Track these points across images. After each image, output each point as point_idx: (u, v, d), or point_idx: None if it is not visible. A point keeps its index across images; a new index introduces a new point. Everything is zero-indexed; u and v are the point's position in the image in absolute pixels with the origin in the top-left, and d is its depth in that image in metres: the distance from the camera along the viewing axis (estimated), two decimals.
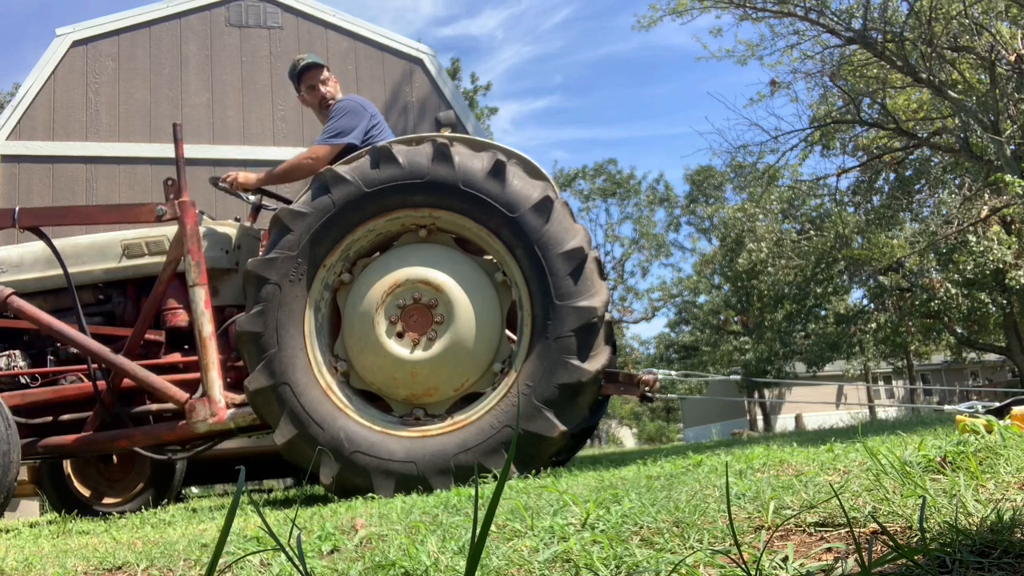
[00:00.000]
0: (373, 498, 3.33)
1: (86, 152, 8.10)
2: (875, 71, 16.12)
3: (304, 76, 4.61)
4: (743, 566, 1.05)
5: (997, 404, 3.15)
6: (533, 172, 3.78)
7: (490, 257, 3.73)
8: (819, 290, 25.69)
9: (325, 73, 4.62)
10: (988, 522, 1.12)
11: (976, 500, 1.29)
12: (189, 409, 3.62)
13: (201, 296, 3.70)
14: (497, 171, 3.51)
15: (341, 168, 3.60)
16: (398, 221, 3.63)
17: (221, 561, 1.63)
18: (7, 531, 3.63)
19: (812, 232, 25.30)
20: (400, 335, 3.49)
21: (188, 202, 3.83)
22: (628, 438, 52.89)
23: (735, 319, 31.91)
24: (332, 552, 1.78)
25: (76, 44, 8.36)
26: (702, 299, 36.05)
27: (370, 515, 2.55)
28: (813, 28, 15.56)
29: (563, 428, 3.38)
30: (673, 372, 4.96)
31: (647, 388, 4.34)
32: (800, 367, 31.32)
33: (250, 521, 2.71)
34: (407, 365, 3.48)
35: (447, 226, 3.66)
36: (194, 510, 3.79)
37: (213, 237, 4.14)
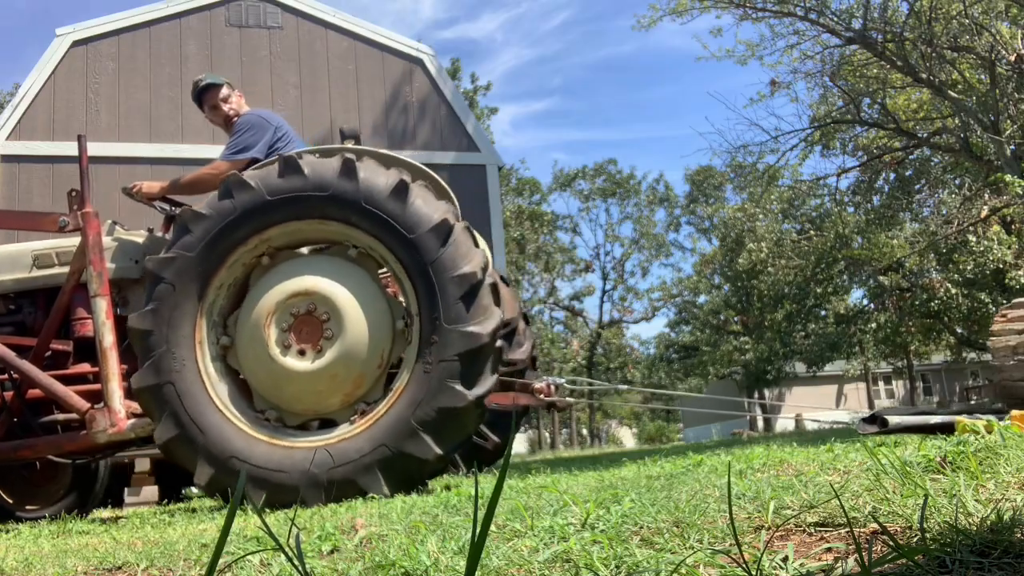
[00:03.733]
0: (373, 498, 3.34)
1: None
2: (875, 71, 16.12)
3: (204, 97, 4.62)
4: (743, 566, 1.05)
5: (913, 418, 3.19)
6: (440, 193, 3.82)
7: (384, 270, 3.75)
8: (819, 290, 25.69)
9: (225, 91, 4.61)
10: (988, 522, 1.12)
11: (976, 500, 1.29)
12: (89, 419, 3.63)
13: (102, 307, 3.71)
14: (399, 190, 3.53)
15: (247, 174, 3.61)
16: (300, 231, 3.66)
17: (221, 561, 1.63)
18: (7, 531, 3.63)
19: (812, 232, 25.30)
20: (289, 345, 3.51)
21: (91, 213, 3.87)
22: (628, 438, 52.92)
23: (735, 319, 31.92)
24: (332, 552, 1.78)
25: (76, 44, 8.36)
26: (702, 299, 36.06)
27: (370, 515, 2.55)
28: (813, 28, 15.56)
29: (439, 452, 3.37)
30: (589, 381, 4.99)
31: (542, 396, 4.39)
32: (800, 367, 31.32)
33: (250, 521, 2.71)
34: (294, 375, 3.49)
35: (348, 240, 3.68)
36: (194, 510, 3.79)
37: (123, 247, 4.15)
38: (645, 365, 39.88)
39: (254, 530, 2.24)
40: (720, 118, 63.22)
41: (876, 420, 3.28)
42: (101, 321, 3.70)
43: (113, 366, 3.66)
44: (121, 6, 8.81)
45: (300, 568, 0.84)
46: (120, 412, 3.64)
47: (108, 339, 3.67)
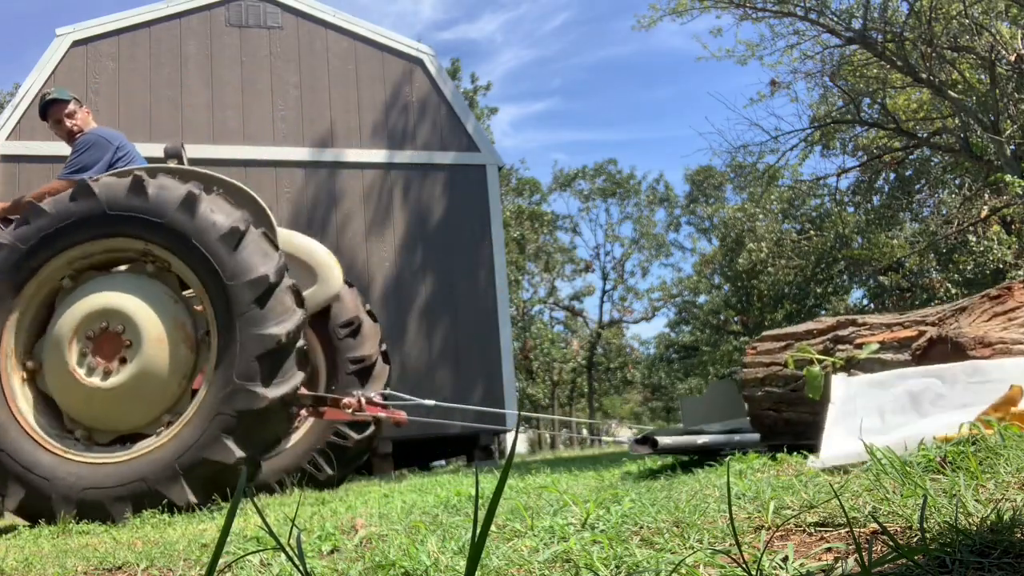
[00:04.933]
0: (374, 498, 3.33)
1: None
2: (875, 71, 16.11)
3: (49, 111, 4.68)
4: (743, 566, 1.05)
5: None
6: (240, 201, 3.91)
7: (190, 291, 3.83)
8: (819, 290, 25.69)
9: (71, 107, 4.66)
10: (988, 522, 1.12)
11: (976, 500, 1.29)
12: None
13: None
14: (188, 203, 3.62)
15: (45, 202, 3.73)
16: (104, 250, 3.78)
17: (221, 561, 1.63)
18: (7, 531, 3.63)
19: (812, 232, 25.30)
20: (91, 364, 3.60)
21: None
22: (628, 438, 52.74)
23: (735, 319, 31.92)
24: (332, 552, 1.78)
25: (76, 44, 8.36)
26: (702, 299, 36.04)
27: (370, 515, 2.55)
28: (813, 28, 15.55)
29: (242, 455, 3.43)
30: (409, 397, 5.05)
31: (350, 410, 4.47)
32: None
33: (250, 521, 2.72)
34: (97, 393, 3.57)
35: (149, 255, 3.79)
36: (194, 510, 3.79)
37: None
38: (645, 365, 39.87)
39: (254, 530, 2.24)
40: (720, 118, 63.21)
41: (648, 441, 3.42)
42: None
43: None
44: (121, 6, 8.81)
45: (301, 567, 0.84)
46: None
47: None
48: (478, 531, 0.74)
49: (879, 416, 2.46)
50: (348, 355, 5.16)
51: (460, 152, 9.28)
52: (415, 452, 9.29)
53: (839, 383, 2.71)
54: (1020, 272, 16.96)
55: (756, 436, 3.49)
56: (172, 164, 4.35)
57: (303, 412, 4.80)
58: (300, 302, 3.77)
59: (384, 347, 5.52)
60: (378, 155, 9.03)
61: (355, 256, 8.70)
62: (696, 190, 37.24)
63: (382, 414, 4.86)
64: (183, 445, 3.45)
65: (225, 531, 0.74)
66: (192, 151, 8.52)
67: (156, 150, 8.35)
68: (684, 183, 38.43)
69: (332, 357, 5.16)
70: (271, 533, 0.78)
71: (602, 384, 38.75)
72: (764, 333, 3.68)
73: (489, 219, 9.11)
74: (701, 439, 3.53)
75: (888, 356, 2.97)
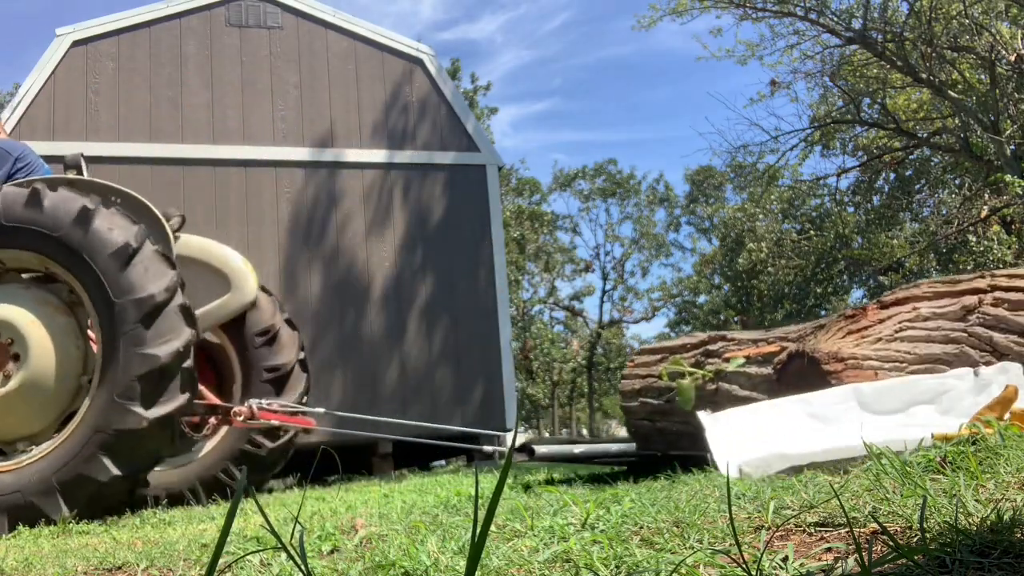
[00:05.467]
0: (373, 498, 3.33)
1: (86, 152, 8.07)
2: (875, 71, 16.11)
3: None
4: (743, 566, 1.05)
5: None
6: (139, 215, 3.93)
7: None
8: (819, 290, 25.68)
9: None
10: (988, 522, 1.12)
11: (976, 500, 1.29)
12: None
13: None
14: (82, 217, 3.63)
15: None
16: (6, 261, 3.80)
17: (221, 561, 1.63)
18: (7, 531, 3.63)
19: (812, 232, 25.29)
20: None
21: None
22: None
23: (735, 319, 31.91)
24: (332, 552, 1.78)
25: (76, 44, 8.36)
26: (702, 299, 36.03)
27: (370, 515, 2.55)
28: (813, 28, 15.55)
29: (117, 473, 3.45)
30: (283, 403, 5.09)
31: (240, 418, 4.51)
32: None
33: (250, 521, 2.71)
34: None
35: (47, 267, 3.82)
36: (191, 506, 3.80)
37: None
38: None
39: (254, 530, 2.24)
40: (720, 118, 63.17)
41: (525, 449, 3.52)
42: None
43: None
44: (121, 6, 8.81)
45: (302, 566, 0.84)
46: None
47: None
48: (478, 531, 0.74)
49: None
50: (263, 363, 5.18)
51: (460, 152, 9.28)
52: (415, 452, 9.29)
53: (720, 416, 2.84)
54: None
55: (632, 446, 3.60)
56: (71, 175, 4.34)
57: (212, 421, 4.81)
58: (191, 322, 3.77)
59: (303, 355, 5.53)
60: (378, 155, 9.04)
61: (355, 256, 8.71)
62: (696, 190, 37.22)
63: (279, 422, 4.87)
64: (61, 460, 3.46)
65: (225, 531, 0.74)
66: (192, 151, 8.52)
67: (156, 150, 8.36)
68: (684, 183, 38.40)
69: (247, 365, 5.18)
70: (273, 532, 0.78)
71: (602, 384, 38.74)
72: (643, 347, 3.84)
73: (489, 219, 9.11)
74: (578, 448, 3.65)
75: (753, 370, 3.17)
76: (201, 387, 4.73)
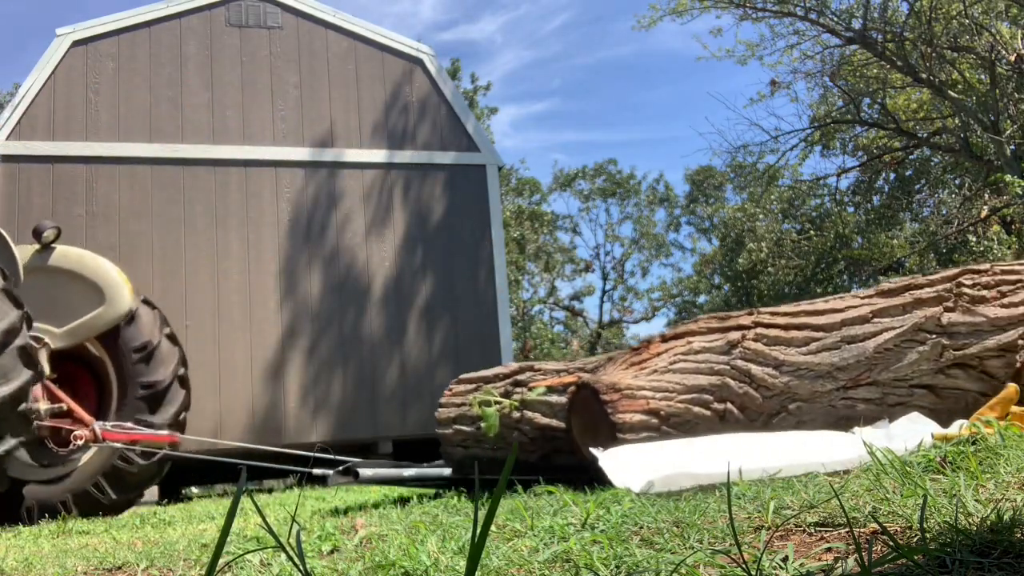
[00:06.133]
0: (373, 498, 3.33)
1: (86, 152, 8.09)
2: (875, 71, 16.11)
3: None
4: (743, 566, 1.05)
5: None
6: None
7: None
8: (819, 290, 25.65)
9: None
10: (988, 522, 1.12)
11: (976, 500, 1.29)
12: None
13: None
14: None
15: None
16: None
17: (221, 561, 1.63)
18: (7, 531, 3.63)
19: (812, 232, 25.28)
20: None
21: None
22: None
23: None
24: (332, 552, 1.78)
25: (76, 44, 8.36)
26: (702, 299, 36.02)
27: (370, 515, 2.55)
28: (813, 28, 15.55)
29: None
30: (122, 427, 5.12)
31: (80, 442, 4.56)
32: None
33: (250, 521, 2.71)
34: None
35: None
36: (190, 501, 3.80)
37: None
38: None
39: (254, 530, 2.23)
40: (720, 118, 63.07)
41: (349, 472, 3.62)
42: None
43: None
44: (121, 6, 8.80)
45: (301, 567, 0.84)
46: None
47: None
48: (478, 531, 0.74)
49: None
50: (139, 379, 5.17)
51: (460, 152, 9.28)
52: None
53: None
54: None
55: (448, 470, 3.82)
56: None
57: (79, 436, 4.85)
58: (30, 363, 3.80)
59: (183, 371, 5.51)
60: (378, 155, 9.04)
61: (355, 256, 8.71)
62: (696, 190, 37.20)
63: (125, 443, 4.90)
64: None
65: (225, 531, 0.74)
66: (192, 151, 8.52)
67: (156, 150, 8.37)
68: (684, 183, 38.37)
69: (124, 380, 5.17)
70: (271, 532, 0.78)
71: None
72: (460, 376, 4.04)
73: (489, 219, 9.11)
74: (408, 471, 3.85)
75: (554, 398, 3.40)
76: (70, 403, 4.77)
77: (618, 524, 1.55)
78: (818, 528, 1.35)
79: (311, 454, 5.74)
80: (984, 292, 3.06)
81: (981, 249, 17.06)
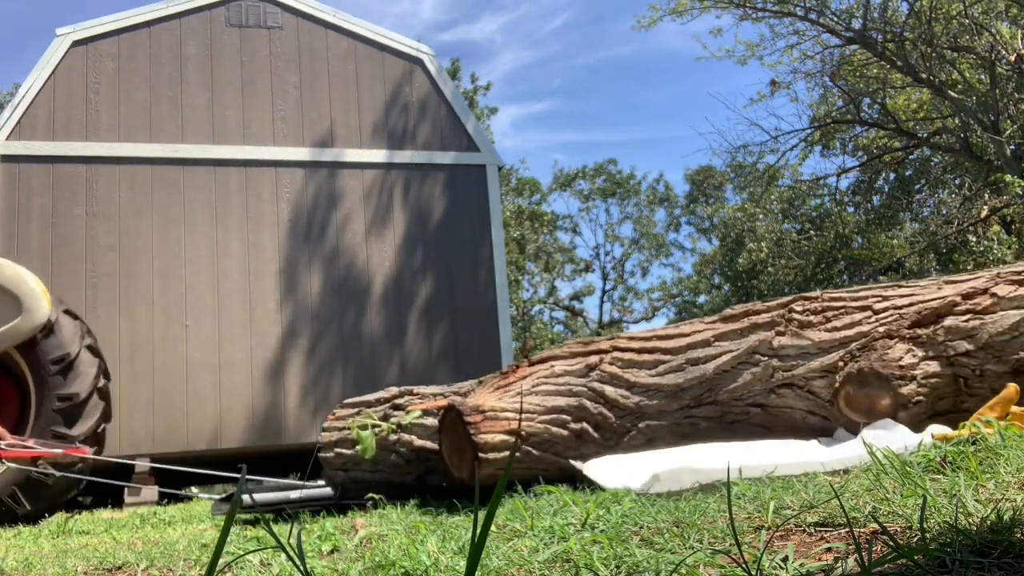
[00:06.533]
0: (373, 499, 3.33)
1: (86, 152, 8.09)
2: (875, 71, 16.11)
3: None
4: (743, 566, 1.05)
5: None
6: None
7: None
8: (819, 290, 25.62)
9: None
10: (988, 522, 1.12)
11: (976, 500, 1.29)
12: None
13: None
14: None
15: None
16: None
17: (221, 561, 1.63)
18: (7, 531, 3.63)
19: (812, 232, 25.28)
20: None
21: None
22: None
23: None
24: (332, 552, 1.78)
25: (76, 44, 8.35)
26: (702, 299, 36.02)
27: (370, 515, 2.55)
28: (813, 28, 15.55)
29: None
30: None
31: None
32: None
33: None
34: None
35: None
36: (188, 499, 3.80)
37: None
38: None
39: (254, 530, 2.23)
40: (720, 118, 63.09)
41: (229, 499, 3.71)
42: None
43: None
44: (121, 6, 8.80)
45: (302, 566, 0.84)
46: None
47: None
48: (478, 531, 0.74)
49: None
50: (57, 391, 5.15)
51: (460, 152, 9.28)
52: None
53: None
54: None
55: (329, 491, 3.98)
56: None
57: None
58: None
59: (104, 383, 5.49)
60: (378, 155, 9.04)
61: (355, 256, 8.71)
62: (696, 190, 37.21)
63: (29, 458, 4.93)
64: None
65: (225, 531, 0.74)
66: (192, 151, 8.52)
67: (156, 150, 8.37)
68: (684, 183, 38.38)
69: (42, 392, 5.16)
70: (272, 533, 0.78)
71: None
72: (345, 400, 4.20)
73: (489, 219, 9.11)
74: (294, 494, 3.99)
75: (429, 421, 3.58)
76: None
77: (618, 524, 1.55)
78: (818, 528, 1.35)
79: (226, 474, 5.70)
80: (812, 317, 3.22)
81: (981, 249, 17.06)
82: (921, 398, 2.85)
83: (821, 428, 3.08)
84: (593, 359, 3.40)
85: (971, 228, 17.92)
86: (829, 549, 1.22)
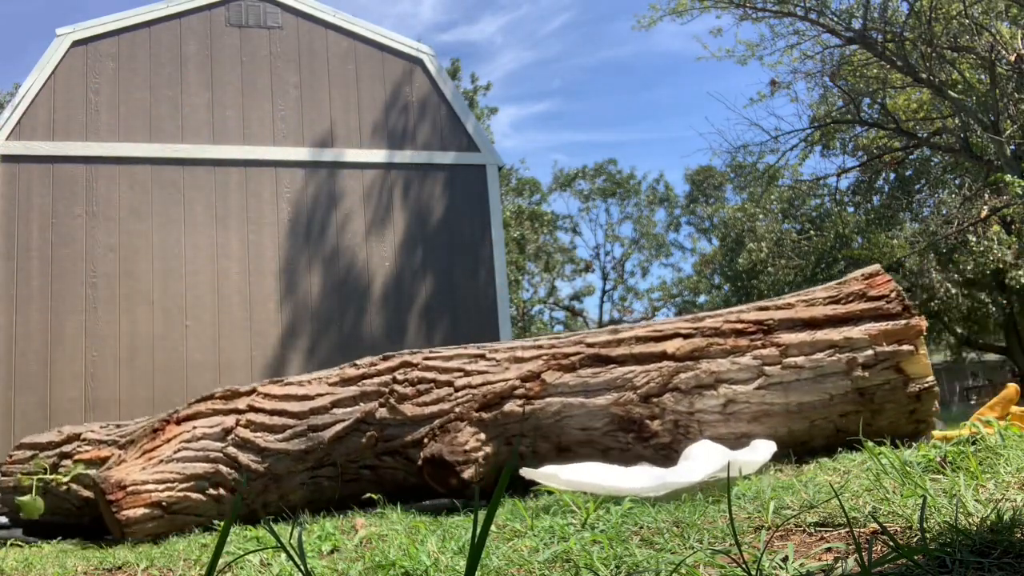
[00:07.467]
0: (371, 498, 3.33)
1: (86, 152, 8.09)
2: (875, 71, 16.10)
3: None
4: (743, 566, 1.05)
5: None
6: None
7: None
8: None
9: None
10: (988, 522, 1.12)
11: (976, 500, 1.29)
12: None
13: None
14: None
15: None
16: None
17: (221, 561, 1.63)
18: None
19: (812, 232, 25.28)
20: None
21: None
22: None
23: None
24: (332, 552, 1.78)
25: (76, 44, 8.36)
26: (702, 299, 36.02)
27: (370, 515, 2.55)
28: (813, 28, 15.55)
29: None
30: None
31: None
32: None
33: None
34: None
35: None
36: None
37: None
38: None
39: (254, 530, 2.23)
40: (720, 118, 63.15)
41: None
42: None
43: None
44: (121, 6, 8.80)
45: (302, 566, 0.84)
46: None
47: None
48: (478, 531, 0.74)
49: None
50: None
51: (460, 152, 9.28)
52: None
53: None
54: (1020, 272, 16.95)
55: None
56: None
57: None
58: None
59: None
60: (378, 155, 9.04)
61: (355, 256, 8.71)
62: (696, 190, 37.22)
63: None
64: None
65: (225, 531, 0.74)
66: (192, 151, 8.53)
67: (156, 150, 8.38)
68: (684, 183, 38.40)
69: None
70: (273, 533, 0.78)
71: None
72: (23, 440, 4.22)
73: (489, 219, 9.11)
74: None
75: (93, 472, 3.60)
76: None
77: (618, 524, 1.55)
78: (818, 528, 1.35)
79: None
80: (408, 389, 3.52)
81: (981, 249, 17.05)
82: (482, 476, 3.26)
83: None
84: (229, 421, 3.60)
85: (971, 228, 17.92)
86: (829, 549, 1.22)
